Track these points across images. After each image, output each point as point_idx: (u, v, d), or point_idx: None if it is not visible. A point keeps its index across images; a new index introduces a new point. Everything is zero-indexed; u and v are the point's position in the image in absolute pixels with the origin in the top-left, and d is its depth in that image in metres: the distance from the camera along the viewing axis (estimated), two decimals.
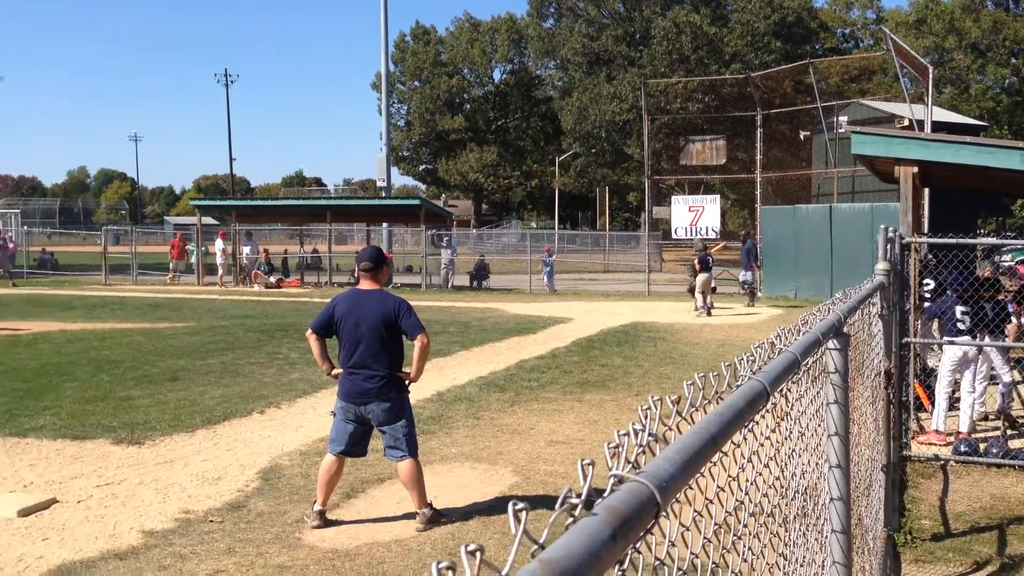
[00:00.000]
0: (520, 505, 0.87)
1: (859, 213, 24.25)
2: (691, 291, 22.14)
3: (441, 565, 0.75)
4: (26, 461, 7.96)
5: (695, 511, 1.55)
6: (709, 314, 20.68)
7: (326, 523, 6.32)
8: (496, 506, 6.71)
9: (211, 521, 6.40)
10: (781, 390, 2.25)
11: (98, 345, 15.06)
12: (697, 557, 1.54)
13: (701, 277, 20.99)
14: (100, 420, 9.40)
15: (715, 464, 1.58)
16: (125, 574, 5.46)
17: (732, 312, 21.84)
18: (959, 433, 8.71)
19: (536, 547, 0.86)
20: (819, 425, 3.07)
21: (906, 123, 28.30)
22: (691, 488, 1.42)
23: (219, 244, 32.96)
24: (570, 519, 0.94)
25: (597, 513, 0.94)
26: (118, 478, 7.47)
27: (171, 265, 34.03)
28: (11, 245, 34.93)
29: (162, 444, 8.56)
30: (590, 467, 1.01)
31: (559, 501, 0.93)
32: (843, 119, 35.15)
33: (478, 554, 0.78)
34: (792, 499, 2.54)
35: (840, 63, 48.57)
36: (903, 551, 6.07)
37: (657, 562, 1.33)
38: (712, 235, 29.88)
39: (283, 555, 5.78)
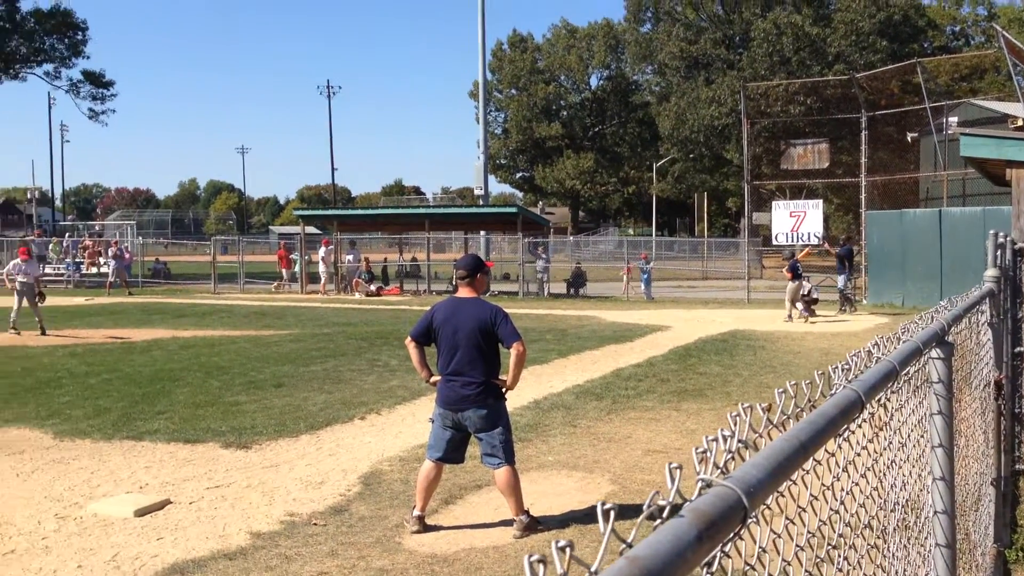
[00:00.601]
0: (608, 505, 0.90)
1: (971, 217, 23.40)
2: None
3: (532, 558, 0.79)
4: (142, 463, 8.32)
5: (787, 518, 1.56)
6: (807, 321, 20.48)
7: (425, 528, 6.43)
8: (593, 514, 6.66)
9: (315, 524, 6.59)
10: (879, 400, 2.22)
11: (208, 352, 15.62)
12: (789, 564, 1.54)
13: (791, 286, 20.91)
14: (210, 424, 9.77)
15: (808, 472, 1.58)
16: (234, 574, 5.67)
17: (835, 320, 21.38)
18: None
19: (624, 546, 0.90)
20: (922, 436, 3.00)
21: (1020, 123, 27.13)
22: (783, 496, 1.43)
23: (322, 252, 33.82)
24: (657, 520, 0.97)
25: (684, 515, 0.97)
26: (227, 480, 7.75)
27: (283, 274, 35.30)
28: (127, 256, 36.51)
29: (268, 448, 8.84)
30: (677, 471, 1.04)
31: (646, 503, 0.96)
32: (953, 120, 33.88)
33: (568, 550, 0.82)
34: (892, 511, 2.50)
35: (950, 62, 46.88)
36: (1015, 568, 5.84)
37: (747, 567, 1.34)
38: (815, 240, 29.14)
39: (384, 559, 5.91)
